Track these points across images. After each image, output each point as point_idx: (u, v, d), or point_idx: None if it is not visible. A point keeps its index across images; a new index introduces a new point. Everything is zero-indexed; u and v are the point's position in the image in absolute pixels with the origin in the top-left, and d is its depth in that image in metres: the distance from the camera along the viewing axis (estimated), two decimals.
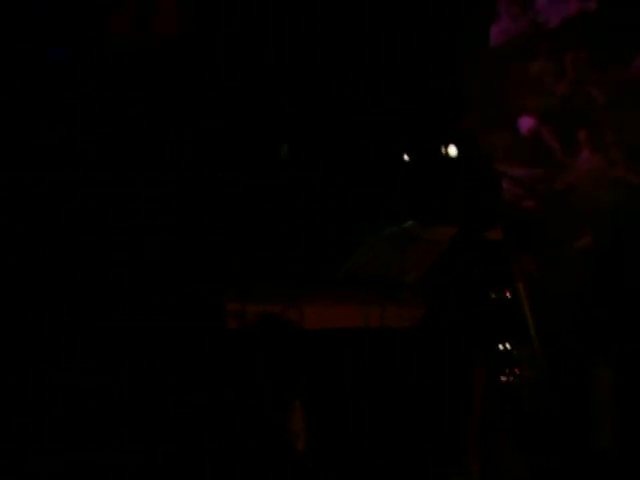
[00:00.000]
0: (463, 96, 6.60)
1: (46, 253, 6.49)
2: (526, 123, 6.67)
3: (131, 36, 6.75)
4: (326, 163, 6.85)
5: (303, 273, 6.69)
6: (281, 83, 6.79)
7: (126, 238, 6.57)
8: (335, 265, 6.55)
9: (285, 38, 6.79)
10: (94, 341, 6.36)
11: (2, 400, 6.11)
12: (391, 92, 6.73)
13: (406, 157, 6.60)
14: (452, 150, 6.43)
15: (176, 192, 6.69)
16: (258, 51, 6.79)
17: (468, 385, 6.08)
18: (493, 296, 6.09)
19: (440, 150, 6.45)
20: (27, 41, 6.65)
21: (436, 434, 6.02)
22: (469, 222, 6.18)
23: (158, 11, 6.84)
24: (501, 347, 6.11)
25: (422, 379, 6.20)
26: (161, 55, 6.76)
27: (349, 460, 6.14)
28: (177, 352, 6.46)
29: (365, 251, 6.54)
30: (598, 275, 6.35)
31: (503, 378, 6.04)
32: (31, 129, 6.59)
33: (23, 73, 6.58)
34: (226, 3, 6.89)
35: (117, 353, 6.34)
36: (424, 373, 6.21)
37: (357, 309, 6.55)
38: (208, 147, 6.79)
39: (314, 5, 6.84)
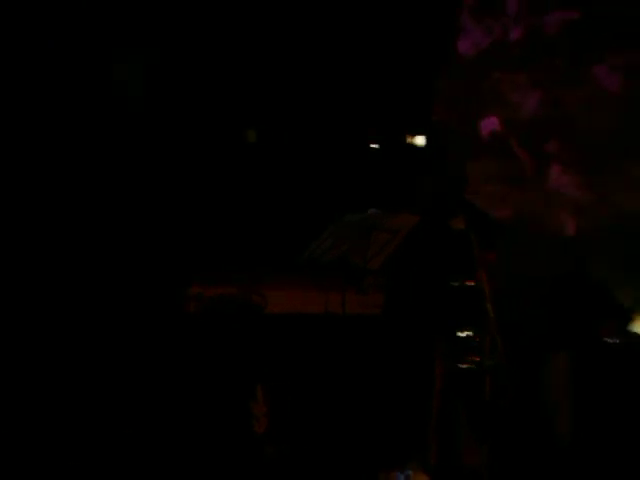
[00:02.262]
0: (434, 88, 6.61)
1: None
2: (488, 125, 6.71)
3: None
4: (292, 149, 6.81)
5: (265, 258, 6.68)
6: (250, 68, 6.73)
7: (86, 223, 6.50)
8: (297, 250, 6.53)
9: (255, 22, 6.73)
10: (53, 325, 6.30)
11: None
12: (361, 80, 6.71)
13: (372, 145, 6.59)
14: (419, 140, 6.43)
15: (138, 176, 6.62)
16: (223, 35, 6.72)
17: (428, 373, 6.11)
18: (455, 284, 6.11)
19: (406, 140, 6.45)
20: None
21: (395, 421, 6.05)
22: (432, 211, 6.19)
23: None
24: (462, 335, 6.14)
25: (382, 366, 6.22)
26: None
27: (309, 445, 6.16)
28: (136, 336, 6.42)
29: (328, 237, 6.52)
30: (557, 266, 6.43)
31: (463, 366, 6.08)
32: None
33: None
34: None
35: (75, 339, 6.29)
36: (384, 360, 6.23)
37: (318, 295, 6.55)
38: (171, 131, 6.72)
39: None
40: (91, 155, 6.60)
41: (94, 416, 6.13)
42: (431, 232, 6.17)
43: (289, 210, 6.77)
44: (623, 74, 6.71)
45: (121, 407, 6.20)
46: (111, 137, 6.59)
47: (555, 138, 6.70)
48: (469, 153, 6.58)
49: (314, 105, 6.77)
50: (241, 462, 6.09)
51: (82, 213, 6.52)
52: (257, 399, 6.30)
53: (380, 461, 5.81)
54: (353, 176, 6.68)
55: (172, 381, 6.26)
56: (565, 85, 6.68)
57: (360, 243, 6.49)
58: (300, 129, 6.78)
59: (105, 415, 6.17)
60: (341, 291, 6.37)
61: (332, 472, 5.97)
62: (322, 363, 6.40)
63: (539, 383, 6.20)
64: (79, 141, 6.60)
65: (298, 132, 6.77)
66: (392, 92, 6.68)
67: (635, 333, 6.34)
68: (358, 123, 6.71)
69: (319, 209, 6.75)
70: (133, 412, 6.21)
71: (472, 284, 6.13)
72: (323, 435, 6.18)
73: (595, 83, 6.73)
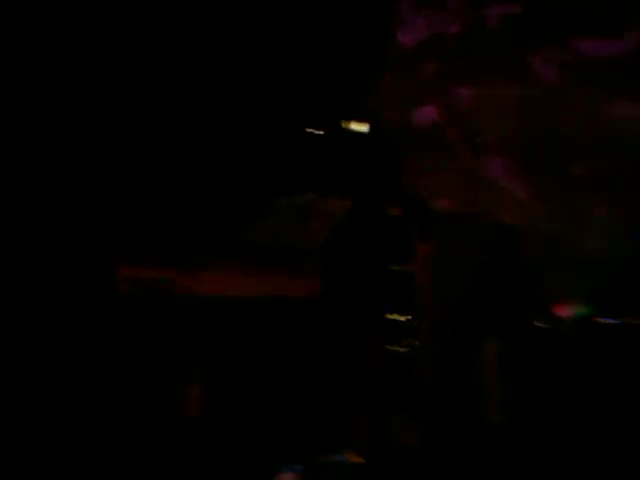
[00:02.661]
0: (374, 76, 6.64)
1: None
2: (426, 115, 6.78)
3: None
4: (227, 132, 6.77)
5: (200, 240, 6.63)
6: (175, 52, 6.65)
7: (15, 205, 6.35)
8: (233, 233, 6.52)
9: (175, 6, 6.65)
10: None
11: None
12: (302, 67, 6.70)
13: (310, 130, 6.60)
14: (357, 127, 6.47)
15: (66, 155, 6.49)
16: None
17: (362, 355, 6.20)
18: (391, 268, 6.21)
19: (343, 125, 6.48)
20: None
21: (329, 403, 6.12)
22: (368, 197, 6.26)
23: None
24: (396, 318, 6.25)
25: (318, 349, 6.27)
26: None
27: (243, 427, 6.18)
28: (68, 318, 6.33)
29: (264, 221, 6.53)
30: (492, 255, 6.56)
31: (397, 348, 6.18)
32: None
33: None
34: None
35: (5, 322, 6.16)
36: (320, 343, 6.29)
37: (254, 278, 6.55)
38: (94, 113, 6.60)
39: None
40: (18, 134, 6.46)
41: (19, 400, 6.03)
42: (367, 218, 6.24)
43: (226, 194, 6.73)
44: (559, 68, 6.86)
45: (53, 391, 6.12)
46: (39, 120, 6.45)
47: (493, 130, 6.81)
48: (408, 142, 6.66)
49: (253, 89, 6.74)
50: (174, 445, 6.08)
51: (8, 192, 6.37)
52: (192, 383, 6.28)
53: (314, 442, 5.88)
54: (290, 161, 6.68)
55: (107, 365, 6.20)
56: (502, 78, 6.80)
57: (296, 227, 6.53)
58: (238, 112, 6.74)
59: (34, 399, 6.08)
60: (277, 274, 6.39)
61: (263, 456, 6.01)
62: (258, 346, 6.42)
63: (472, 366, 6.34)
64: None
65: (236, 115, 6.74)
66: (332, 79, 6.70)
67: (563, 318, 6.54)
68: (297, 109, 6.72)
69: (256, 193, 6.74)
70: (65, 395, 6.14)
71: (408, 270, 6.23)
72: (258, 418, 6.21)
73: (532, 77, 6.87)
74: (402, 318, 6.23)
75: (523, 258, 6.54)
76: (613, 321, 6.42)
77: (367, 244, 6.18)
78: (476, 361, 6.35)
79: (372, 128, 6.48)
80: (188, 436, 6.15)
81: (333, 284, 6.40)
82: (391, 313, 6.27)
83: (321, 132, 6.62)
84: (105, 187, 6.66)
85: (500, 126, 6.75)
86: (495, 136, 6.80)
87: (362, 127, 6.42)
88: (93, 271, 6.48)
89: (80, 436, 6.04)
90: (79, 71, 6.63)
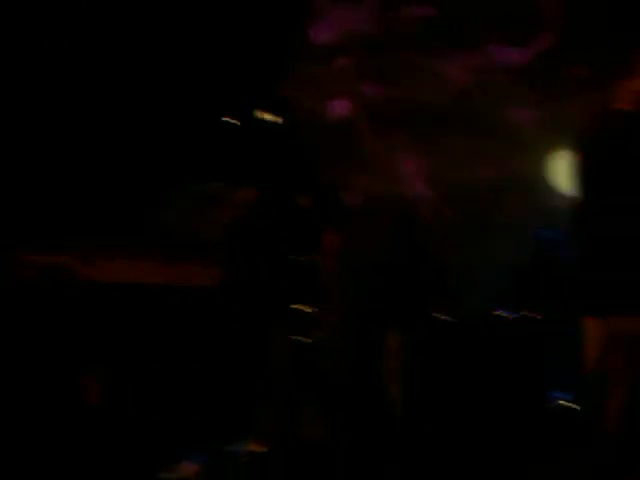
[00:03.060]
0: (285, 66, 6.62)
1: None
2: (337, 108, 6.80)
3: None
4: (133, 116, 6.66)
5: (103, 226, 6.51)
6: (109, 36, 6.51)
7: None
8: (138, 220, 6.43)
9: None
10: None
11: None
12: (210, 53, 6.63)
13: (220, 118, 6.54)
14: (268, 116, 6.44)
15: None
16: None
17: (266, 344, 6.18)
18: (298, 259, 6.20)
19: (255, 114, 6.45)
20: None
21: (233, 392, 6.09)
22: (277, 186, 6.24)
23: None
24: (302, 309, 6.25)
25: (221, 338, 6.24)
26: None
27: (145, 417, 6.11)
28: None
29: (169, 208, 6.46)
30: (398, 247, 6.65)
31: (303, 339, 6.19)
32: None
33: None
34: None
35: None
36: (223, 332, 6.25)
37: (157, 265, 6.48)
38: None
39: None
40: None
41: None
42: (275, 208, 6.22)
43: (131, 179, 6.62)
44: (468, 72, 7.00)
45: None
46: None
47: (402, 127, 6.89)
48: (320, 134, 6.68)
49: (164, 75, 6.64)
50: (73, 434, 5.97)
51: None
52: (92, 371, 6.17)
53: (221, 433, 5.85)
54: (199, 148, 6.62)
55: (5, 354, 6.03)
56: (413, 78, 6.88)
57: (202, 215, 6.47)
58: (146, 98, 6.64)
59: None
60: (182, 262, 6.34)
61: (165, 445, 5.95)
62: (160, 334, 6.35)
63: (376, 358, 6.41)
64: None
65: (144, 100, 6.63)
66: (245, 68, 6.65)
67: (465, 311, 6.69)
68: (206, 97, 6.65)
69: (163, 180, 6.65)
70: None
71: (315, 261, 6.25)
72: (160, 407, 6.14)
73: (441, 79, 6.98)
74: (308, 309, 6.24)
75: (429, 251, 6.65)
76: (512, 314, 6.61)
77: (274, 234, 6.16)
78: (380, 353, 6.43)
79: (284, 118, 6.47)
80: (87, 425, 6.04)
81: (237, 273, 6.37)
82: (297, 304, 6.27)
83: (232, 120, 6.58)
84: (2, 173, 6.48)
85: (409, 125, 6.84)
86: (405, 134, 6.89)
87: (274, 117, 6.41)
88: None
89: None
90: None
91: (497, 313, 6.68)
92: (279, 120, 6.32)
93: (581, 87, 6.52)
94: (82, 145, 6.69)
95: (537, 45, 7.15)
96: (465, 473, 5.35)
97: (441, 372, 6.35)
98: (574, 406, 5.76)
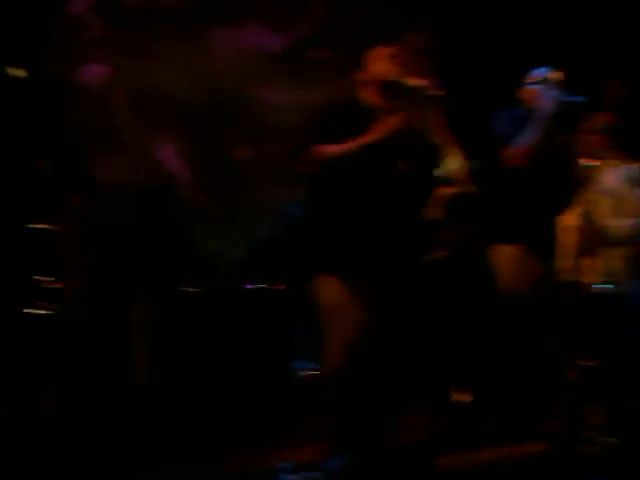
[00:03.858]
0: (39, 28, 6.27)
1: None
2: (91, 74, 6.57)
3: None
4: None
5: None
6: None
7: None
8: None
9: None
10: None
11: None
12: None
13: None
14: (14, 72, 6.08)
15: None
16: None
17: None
18: (36, 227, 5.94)
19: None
20: None
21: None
22: (11, 148, 5.92)
23: None
24: (39, 279, 5.99)
25: None
26: None
27: None
28: None
29: None
30: (143, 224, 6.53)
31: (37, 312, 5.93)
32: None
33: None
34: None
35: None
36: None
37: None
38: None
39: None
40: None
41: None
42: (9, 171, 5.93)
43: None
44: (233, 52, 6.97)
45: None
46: None
47: (159, 105, 6.76)
48: (71, 99, 6.41)
49: None
50: None
51: None
52: None
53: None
54: None
55: None
56: (172, 53, 6.75)
57: None
58: None
59: None
60: None
61: None
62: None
63: (119, 330, 6.26)
64: None
65: None
66: None
67: (212, 284, 6.68)
68: None
69: None
70: None
71: (55, 230, 6.01)
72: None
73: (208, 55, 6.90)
74: (45, 279, 5.98)
75: (180, 226, 6.59)
76: (256, 286, 6.69)
77: (7, 200, 5.86)
78: (124, 325, 6.28)
79: (32, 78, 6.15)
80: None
81: None
82: (34, 275, 5.99)
83: None
84: None
85: (166, 100, 6.72)
86: (162, 112, 6.75)
87: (20, 73, 6.07)
88: None
89: None
90: None
91: (243, 286, 6.72)
92: (26, 78, 6.00)
93: (331, 74, 6.68)
94: None
95: (297, 31, 7.28)
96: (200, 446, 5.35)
97: (185, 343, 6.30)
98: (315, 374, 5.84)
